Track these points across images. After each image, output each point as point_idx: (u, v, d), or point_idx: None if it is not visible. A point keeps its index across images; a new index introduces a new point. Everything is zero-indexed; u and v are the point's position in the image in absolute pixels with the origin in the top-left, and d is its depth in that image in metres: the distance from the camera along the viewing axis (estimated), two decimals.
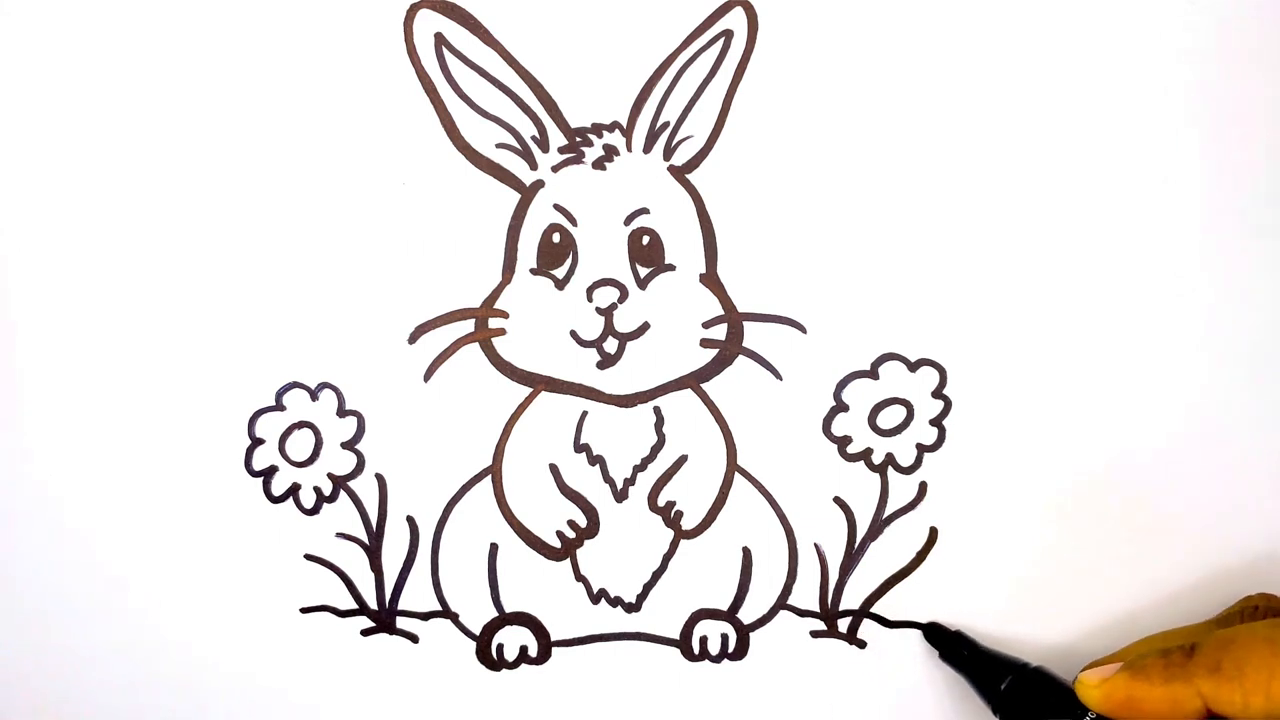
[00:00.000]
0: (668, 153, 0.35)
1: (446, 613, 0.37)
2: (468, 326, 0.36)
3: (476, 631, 0.37)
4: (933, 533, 0.37)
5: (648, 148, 0.35)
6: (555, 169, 0.35)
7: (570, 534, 0.37)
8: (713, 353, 0.36)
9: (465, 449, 0.36)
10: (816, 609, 0.37)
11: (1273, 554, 0.37)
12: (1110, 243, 0.36)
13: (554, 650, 0.37)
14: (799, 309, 0.36)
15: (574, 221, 0.36)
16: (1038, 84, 0.35)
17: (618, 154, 0.35)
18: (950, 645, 0.36)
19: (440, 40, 0.34)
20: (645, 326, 0.36)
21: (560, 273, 0.36)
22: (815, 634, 0.37)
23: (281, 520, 0.36)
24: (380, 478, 0.36)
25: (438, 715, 0.37)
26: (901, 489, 0.37)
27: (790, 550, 0.37)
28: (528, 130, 0.35)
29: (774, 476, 0.37)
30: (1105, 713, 0.30)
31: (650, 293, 0.36)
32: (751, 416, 0.36)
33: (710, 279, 0.36)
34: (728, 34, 0.35)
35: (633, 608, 0.37)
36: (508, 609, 0.37)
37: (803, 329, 0.36)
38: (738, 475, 0.37)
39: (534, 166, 0.35)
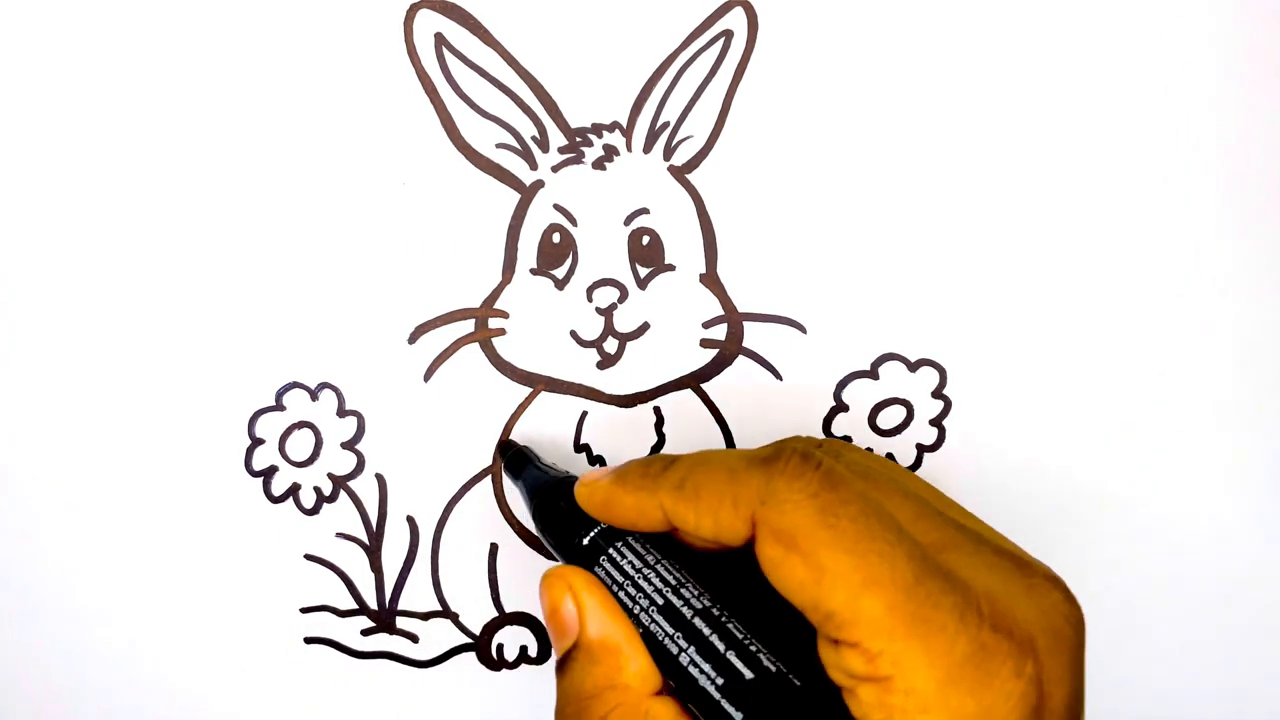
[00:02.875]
0: (668, 153, 0.35)
1: (446, 613, 0.37)
2: (468, 326, 0.36)
3: (476, 631, 0.37)
4: None
5: (648, 148, 0.35)
6: (555, 169, 0.35)
7: None
8: (713, 353, 0.36)
9: (465, 449, 0.36)
10: None
11: (1274, 553, 0.37)
12: (1110, 243, 0.36)
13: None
14: (799, 309, 0.36)
15: (574, 221, 0.36)
16: (1037, 84, 0.35)
17: (618, 154, 0.35)
18: (513, 460, 0.34)
19: (440, 40, 0.34)
20: (645, 326, 0.36)
21: (560, 273, 0.36)
22: None
23: (281, 520, 0.36)
24: (380, 478, 0.36)
25: (438, 715, 0.37)
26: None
27: None
28: (528, 130, 0.35)
29: None
30: (589, 512, 0.29)
31: (650, 293, 0.36)
32: (751, 416, 0.36)
33: (710, 279, 0.36)
34: (728, 34, 0.35)
35: None
36: (508, 609, 0.37)
37: (803, 329, 0.36)
38: None
39: (534, 166, 0.35)
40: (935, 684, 0.23)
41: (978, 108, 0.35)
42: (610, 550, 0.28)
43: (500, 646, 0.37)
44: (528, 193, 0.35)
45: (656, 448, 0.36)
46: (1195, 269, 0.36)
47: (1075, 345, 0.36)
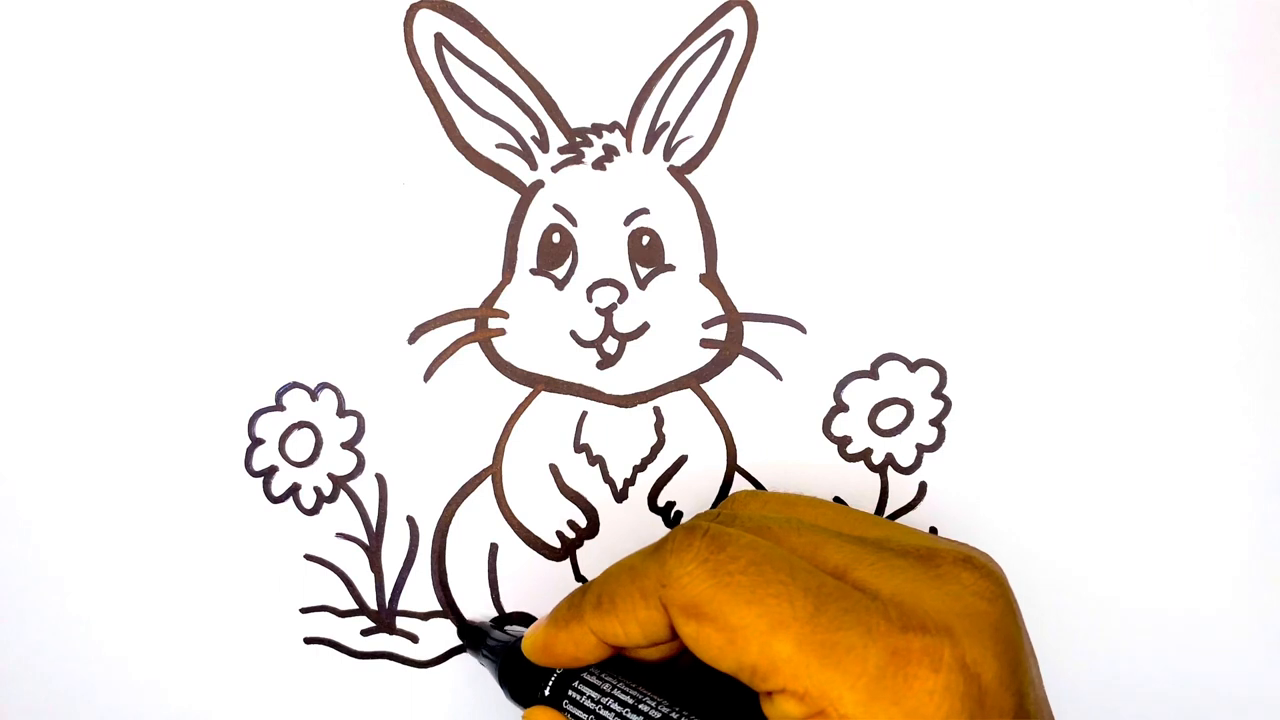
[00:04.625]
0: (668, 153, 0.35)
1: (447, 613, 0.37)
2: (468, 326, 0.36)
3: None
4: (932, 533, 0.37)
5: (648, 148, 0.35)
6: (555, 169, 0.35)
7: (570, 534, 0.37)
8: (713, 353, 0.36)
9: (465, 449, 0.36)
10: None
11: (1275, 552, 0.37)
12: (1109, 243, 0.36)
13: None
14: (799, 309, 0.36)
15: (574, 221, 0.36)
16: (1037, 84, 0.35)
17: (618, 154, 0.35)
18: (470, 637, 0.36)
19: (440, 40, 0.34)
20: (645, 326, 0.36)
21: (560, 273, 0.36)
22: None
23: (281, 520, 0.36)
24: (380, 478, 0.36)
25: (438, 715, 0.37)
26: (901, 489, 0.37)
27: None
28: (528, 130, 0.35)
29: (774, 476, 0.37)
30: (536, 660, 0.30)
31: (650, 293, 0.36)
32: (751, 416, 0.36)
33: (710, 279, 0.36)
34: (728, 34, 0.35)
35: None
36: (508, 609, 0.37)
37: (803, 329, 0.36)
38: (738, 475, 0.37)
39: (534, 166, 0.35)
40: (860, 704, 0.23)
41: (978, 108, 0.35)
42: (570, 692, 0.30)
43: None
44: (528, 193, 0.35)
45: (656, 448, 0.36)
46: (1195, 269, 0.36)
47: (1075, 345, 0.36)
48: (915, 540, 0.28)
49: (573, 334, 0.36)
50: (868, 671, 0.23)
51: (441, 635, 0.37)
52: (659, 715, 0.27)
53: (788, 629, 0.24)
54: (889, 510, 0.37)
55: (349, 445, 0.36)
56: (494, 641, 0.34)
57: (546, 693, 0.30)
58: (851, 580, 0.26)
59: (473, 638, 0.35)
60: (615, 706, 0.28)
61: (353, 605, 0.37)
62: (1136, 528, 0.37)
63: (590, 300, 0.36)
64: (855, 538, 0.28)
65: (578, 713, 0.29)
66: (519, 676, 0.31)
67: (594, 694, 0.29)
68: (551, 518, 0.37)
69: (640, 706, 0.28)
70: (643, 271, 0.36)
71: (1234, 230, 0.36)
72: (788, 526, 0.28)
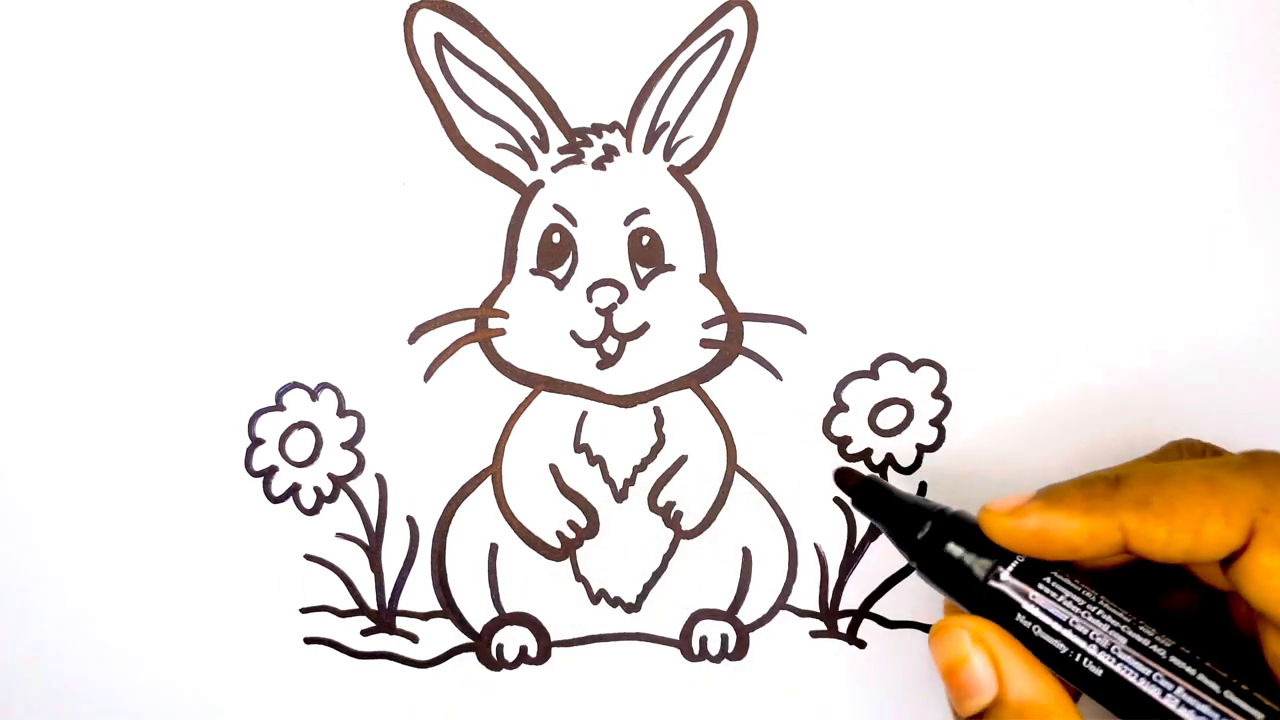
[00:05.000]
0: (668, 153, 0.35)
1: (447, 613, 0.37)
2: (468, 326, 0.36)
3: (477, 631, 0.37)
4: None
5: (648, 148, 0.35)
6: (555, 169, 0.35)
7: (570, 534, 0.37)
8: (713, 353, 0.36)
9: (465, 449, 0.36)
10: (816, 609, 0.37)
11: None
12: (1109, 242, 0.36)
13: (554, 650, 0.37)
14: (799, 309, 0.36)
15: (574, 221, 0.36)
16: (1037, 84, 0.35)
17: (618, 154, 0.35)
18: (865, 492, 0.31)
19: (440, 40, 0.34)
20: (645, 326, 0.36)
21: (560, 273, 0.36)
22: (815, 634, 0.37)
23: (281, 520, 0.36)
24: (380, 478, 0.36)
25: (438, 715, 0.37)
26: (901, 489, 0.37)
27: (790, 550, 0.37)
28: (528, 130, 0.35)
29: (774, 477, 0.37)
30: (1010, 546, 0.26)
31: (650, 293, 0.36)
32: (751, 416, 0.36)
33: (710, 279, 0.36)
34: (728, 34, 0.35)
35: (633, 608, 0.37)
36: (508, 609, 0.37)
37: (803, 329, 0.36)
38: (738, 475, 0.37)
39: (534, 166, 0.35)
40: None
41: (978, 108, 0.35)
42: (1040, 586, 0.26)
43: (500, 646, 0.37)
44: (528, 193, 0.35)
45: (656, 448, 0.36)
46: (1196, 269, 0.36)
47: (1075, 345, 0.36)
48: None
49: (573, 334, 0.36)
50: None
51: (442, 635, 0.37)
52: (1168, 643, 0.24)
53: None
54: None
55: (349, 445, 0.36)
56: (908, 501, 0.29)
57: (1006, 576, 0.26)
58: None
59: (870, 493, 0.30)
60: (1109, 619, 0.25)
61: (353, 605, 0.37)
62: None
63: (590, 300, 0.36)
64: None
65: (1053, 609, 0.25)
66: (948, 554, 0.27)
67: (1075, 598, 0.25)
68: (551, 518, 0.37)
69: (1141, 626, 0.25)
70: (643, 271, 0.36)
71: (1235, 230, 0.36)
72: None
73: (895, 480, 0.37)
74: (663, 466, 0.37)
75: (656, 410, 0.36)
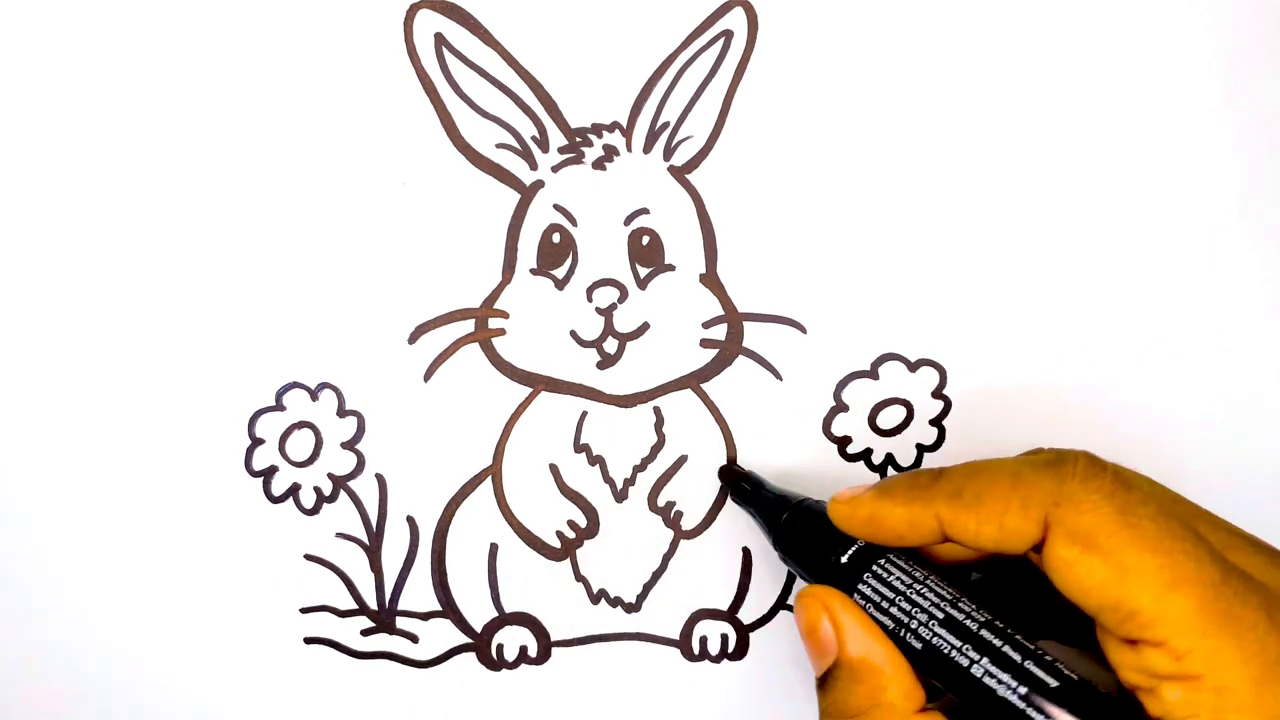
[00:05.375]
0: (668, 153, 0.35)
1: (447, 613, 0.37)
2: (468, 326, 0.36)
3: (477, 631, 0.37)
4: None
5: (648, 148, 0.35)
6: (555, 169, 0.35)
7: (570, 534, 0.37)
8: (713, 353, 0.36)
9: (465, 449, 0.36)
10: None
11: None
12: (1109, 242, 0.36)
13: (554, 650, 0.37)
14: (799, 309, 0.36)
15: (574, 221, 0.36)
16: (1037, 84, 0.35)
17: (618, 154, 0.35)
18: (739, 484, 0.35)
19: (440, 40, 0.34)
20: (645, 326, 0.36)
21: (560, 273, 0.36)
22: None
23: (281, 520, 0.36)
24: (380, 478, 0.36)
25: (438, 715, 0.37)
26: (774, 484, 0.37)
27: None
28: (528, 130, 0.35)
29: (774, 476, 0.37)
30: (848, 531, 0.29)
31: (650, 293, 0.36)
32: (751, 416, 0.36)
33: (710, 279, 0.36)
34: (728, 34, 0.35)
35: (633, 608, 0.37)
36: (508, 609, 0.37)
37: (803, 329, 0.36)
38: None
39: (534, 166, 0.35)
40: (1250, 683, 0.23)
41: (978, 108, 0.35)
42: (874, 567, 0.28)
43: (500, 646, 0.37)
44: (528, 193, 0.35)
45: (656, 448, 0.36)
46: (1196, 268, 0.36)
47: (1075, 345, 0.36)
48: (1266, 544, 0.27)
49: (573, 334, 0.36)
50: (1264, 655, 0.23)
51: (442, 635, 0.37)
52: (982, 619, 0.26)
53: (1192, 587, 0.24)
54: None
55: (349, 445, 0.36)
56: (771, 493, 0.33)
57: (844, 560, 0.29)
58: (1232, 562, 0.25)
59: (740, 484, 0.34)
60: (931, 596, 0.27)
61: (353, 605, 0.37)
62: None
63: (590, 300, 0.36)
64: (1221, 522, 0.27)
65: (880, 590, 0.28)
66: (806, 538, 0.30)
67: (904, 576, 0.28)
68: (551, 518, 0.37)
69: (960, 604, 0.27)
70: (643, 271, 0.36)
71: (1234, 230, 0.36)
72: (1164, 493, 0.27)
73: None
74: (663, 466, 0.37)
75: (656, 410, 0.36)
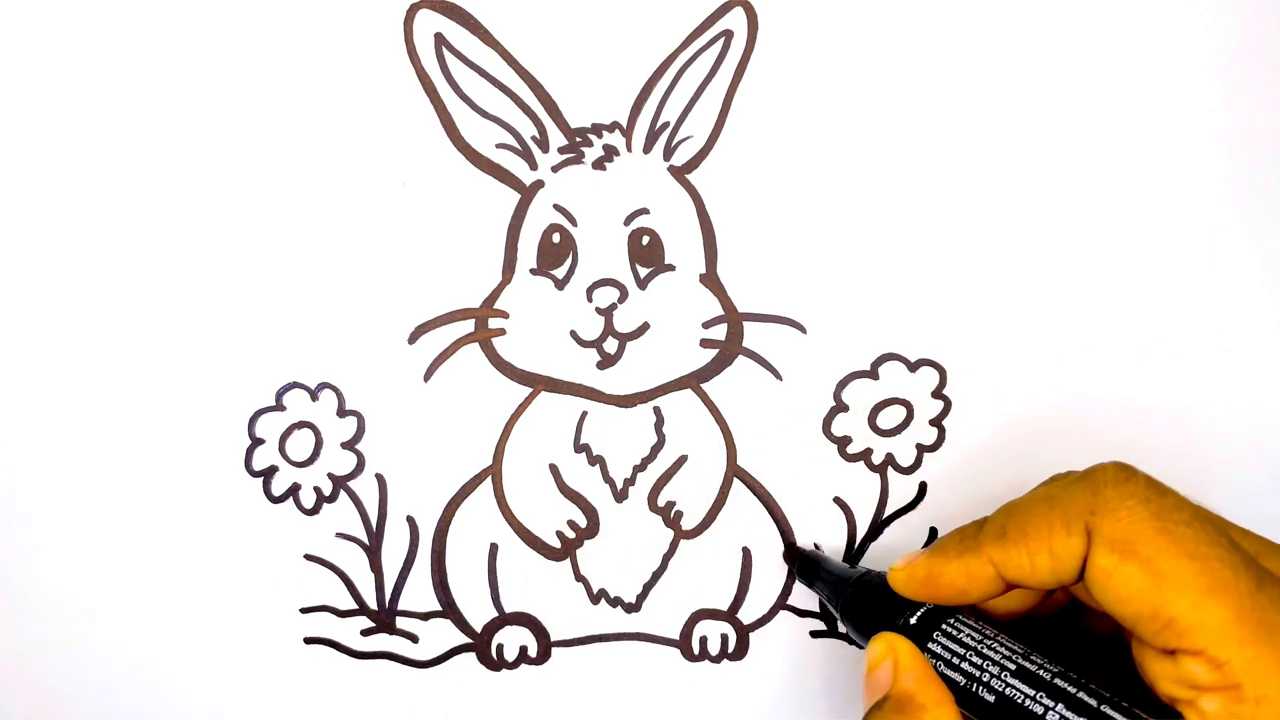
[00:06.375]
0: (668, 153, 0.35)
1: (447, 613, 0.37)
2: (468, 326, 0.36)
3: (477, 631, 0.37)
4: (933, 533, 0.37)
5: (648, 148, 0.35)
6: (555, 169, 0.35)
7: (570, 534, 0.37)
8: (713, 353, 0.36)
9: (465, 449, 0.36)
10: (816, 609, 0.37)
11: None
12: (1109, 242, 0.36)
13: (554, 650, 0.37)
14: (799, 309, 0.36)
15: (574, 221, 0.36)
16: (1037, 84, 0.35)
17: (618, 154, 0.35)
18: (806, 567, 0.35)
19: (440, 40, 0.34)
20: (645, 326, 0.36)
21: (560, 273, 0.36)
22: (815, 634, 0.37)
23: (281, 520, 0.36)
24: (380, 478, 0.36)
25: (438, 715, 0.37)
26: (901, 489, 0.37)
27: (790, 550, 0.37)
28: (528, 130, 0.35)
29: (774, 476, 0.37)
30: (910, 595, 0.30)
31: (650, 293, 0.36)
32: (751, 416, 0.36)
33: (710, 279, 0.36)
34: (728, 34, 0.35)
35: (633, 608, 0.37)
36: (508, 609, 0.37)
37: (803, 329, 0.36)
38: (737, 476, 0.37)
39: (534, 166, 0.35)
40: None
41: (978, 108, 0.35)
42: (943, 626, 0.29)
43: (500, 646, 0.37)
44: (528, 193, 0.35)
45: (656, 448, 0.36)
46: (1196, 268, 0.36)
47: (1075, 345, 0.36)
48: None
49: (573, 334, 0.36)
50: None
51: (441, 635, 0.37)
52: (1055, 669, 0.26)
53: (1229, 594, 0.23)
54: (889, 510, 0.37)
55: (349, 445, 0.36)
56: (835, 570, 0.34)
57: (914, 621, 0.29)
58: (1266, 568, 0.25)
59: (807, 566, 0.35)
60: (1002, 649, 0.27)
61: (353, 605, 0.37)
62: None
63: (590, 300, 0.36)
64: (1247, 530, 0.27)
65: (952, 646, 0.28)
66: (873, 607, 0.31)
67: (974, 633, 0.28)
68: (551, 518, 0.37)
69: (1032, 656, 0.27)
70: (643, 271, 0.36)
71: (1234, 230, 0.36)
72: (1189, 502, 0.27)
73: (894, 481, 0.37)
74: (663, 466, 0.37)
75: (656, 410, 0.36)
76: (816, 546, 0.36)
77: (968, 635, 0.28)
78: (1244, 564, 0.24)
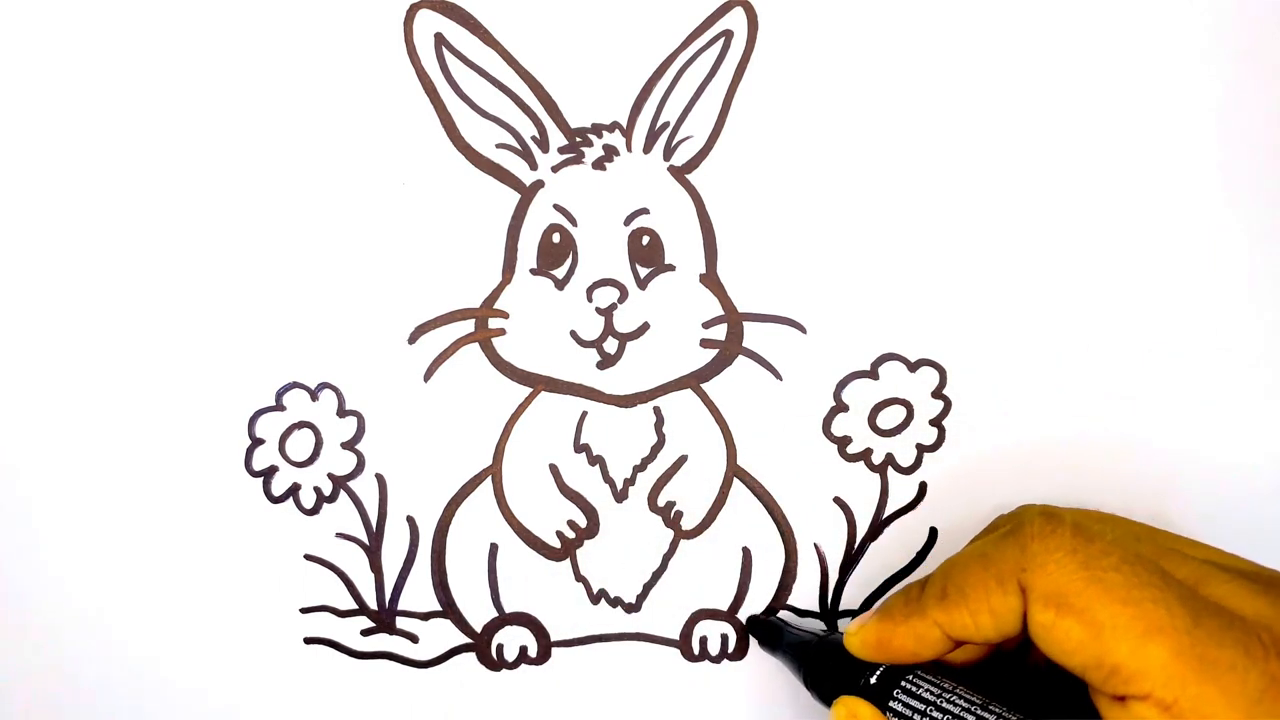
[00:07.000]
0: (668, 153, 0.35)
1: (447, 612, 0.37)
2: (468, 326, 0.36)
3: (477, 631, 0.37)
4: (933, 533, 0.37)
5: (648, 148, 0.35)
6: (555, 169, 0.35)
7: (570, 534, 0.37)
8: (713, 353, 0.36)
9: (465, 449, 0.36)
10: (816, 609, 0.37)
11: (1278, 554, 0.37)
12: (1109, 242, 0.36)
13: (554, 650, 0.37)
14: (799, 309, 0.36)
15: (574, 221, 0.36)
16: (1037, 84, 0.35)
17: (618, 154, 0.35)
18: (766, 634, 0.36)
19: (440, 40, 0.34)
20: (645, 326, 0.36)
21: (560, 273, 0.36)
22: None
23: (281, 520, 0.36)
24: (380, 478, 0.36)
25: (438, 715, 0.37)
26: (901, 489, 0.37)
27: (790, 550, 0.37)
28: (528, 130, 0.35)
29: (774, 476, 0.37)
30: (864, 657, 0.30)
31: (650, 293, 0.36)
32: (751, 416, 0.36)
33: (710, 279, 0.36)
34: (728, 34, 0.35)
35: (633, 608, 0.37)
36: (508, 609, 0.37)
37: (803, 329, 0.36)
38: (737, 475, 0.37)
39: (534, 166, 0.35)
40: None
41: (978, 108, 0.35)
42: (902, 683, 0.29)
43: (500, 646, 0.37)
44: (528, 193, 0.35)
45: (656, 448, 0.36)
46: (1195, 268, 0.36)
47: (1075, 345, 0.36)
48: (1249, 565, 0.27)
49: (573, 334, 0.36)
50: (1247, 693, 0.23)
51: (442, 635, 0.37)
52: (1014, 717, 0.27)
53: (1165, 635, 0.24)
54: (889, 510, 0.37)
55: (349, 445, 0.36)
56: (794, 638, 0.34)
57: (873, 681, 0.30)
58: (1206, 596, 0.25)
59: (768, 634, 0.35)
60: (961, 702, 0.28)
61: (353, 605, 0.37)
62: None
63: (590, 300, 0.36)
64: (1189, 554, 0.27)
65: (912, 703, 0.29)
66: (834, 672, 0.31)
67: (933, 688, 0.29)
68: (551, 518, 0.37)
69: (991, 706, 0.27)
70: (643, 271, 0.36)
71: (1234, 230, 0.36)
72: (1126, 529, 0.28)
73: (894, 481, 0.37)
74: (663, 466, 0.37)
75: (656, 410, 0.36)
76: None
77: (927, 690, 0.29)
78: (1179, 600, 0.24)
